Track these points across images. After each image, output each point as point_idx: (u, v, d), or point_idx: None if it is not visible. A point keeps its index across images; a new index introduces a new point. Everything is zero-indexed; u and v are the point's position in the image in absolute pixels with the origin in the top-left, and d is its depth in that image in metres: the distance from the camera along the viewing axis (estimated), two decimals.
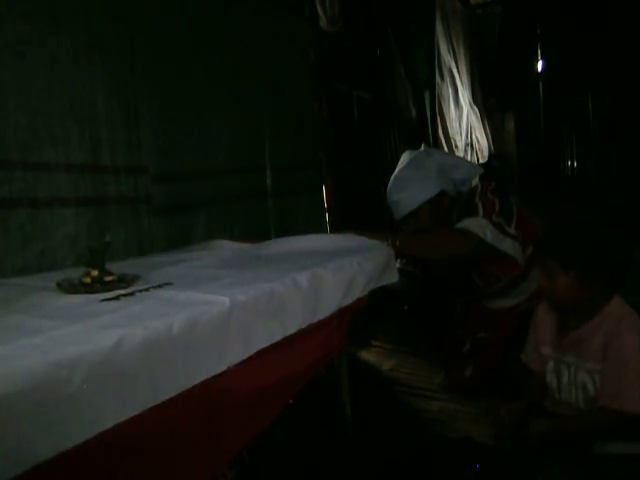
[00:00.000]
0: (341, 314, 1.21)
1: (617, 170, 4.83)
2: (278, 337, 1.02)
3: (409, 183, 2.01)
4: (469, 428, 1.72)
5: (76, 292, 1.05)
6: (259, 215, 2.31)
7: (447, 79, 4.74)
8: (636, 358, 1.36)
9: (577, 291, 1.42)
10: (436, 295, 2.44)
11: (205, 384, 0.84)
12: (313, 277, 1.12)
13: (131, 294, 1.00)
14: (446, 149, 4.55)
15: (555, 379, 1.52)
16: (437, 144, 4.44)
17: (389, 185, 2.09)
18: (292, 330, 1.05)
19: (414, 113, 4.30)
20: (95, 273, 1.08)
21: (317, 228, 2.72)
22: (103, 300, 0.96)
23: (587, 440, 1.37)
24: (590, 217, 1.56)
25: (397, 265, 1.73)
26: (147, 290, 1.02)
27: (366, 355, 2.50)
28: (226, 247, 1.70)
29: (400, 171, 2.08)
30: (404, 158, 2.12)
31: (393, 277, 1.42)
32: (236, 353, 0.92)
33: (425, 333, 2.59)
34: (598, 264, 1.40)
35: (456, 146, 4.81)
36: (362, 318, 1.33)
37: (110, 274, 1.10)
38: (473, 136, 5.21)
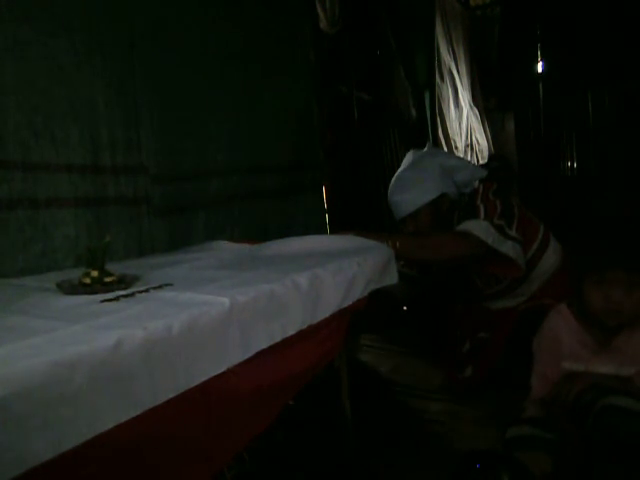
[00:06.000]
0: (341, 315, 1.20)
1: (617, 170, 4.83)
2: (278, 338, 1.01)
3: (410, 185, 2.00)
4: (469, 429, 1.73)
5: (76, 293, 1.05)
6: (259, 215, 2.31)
7: (447, 80, 4.74)
8: None
9: None
10: (435, 296, 2.43)
11: (205, 385, 0.84)
12: (313, 278, 1.12)
13: (131, 295, 0.99)
14: (446, 150, 4.55)
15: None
16: (437, 145, 4.44)
17: (390, 185, 2.08)
18: (292, 331, 1.05)
19: (414, 114, 4.30)
20: (95, 274, 1.08)
21: (317, 228, 2.72)
22: (103, 301, 0.96)
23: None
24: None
25: None
26: (147, 291, 1.02)
27: (365, 357, 2.50)
28: (226, 248, 1.70)
29: (402, 172, 2.07)
30: (408, 158, 2.11)
31: (393, 278, 1.42)
32: (236, 354, 0.92)
33: (424, 334, 2.59)
34: None
35: (456, 147, 4.81)
36: (361, 319, 1.32)
37: (110, 275, 1.10)
38: (473, 137, 5.22)
